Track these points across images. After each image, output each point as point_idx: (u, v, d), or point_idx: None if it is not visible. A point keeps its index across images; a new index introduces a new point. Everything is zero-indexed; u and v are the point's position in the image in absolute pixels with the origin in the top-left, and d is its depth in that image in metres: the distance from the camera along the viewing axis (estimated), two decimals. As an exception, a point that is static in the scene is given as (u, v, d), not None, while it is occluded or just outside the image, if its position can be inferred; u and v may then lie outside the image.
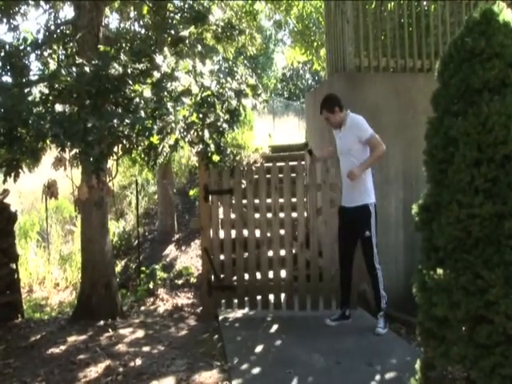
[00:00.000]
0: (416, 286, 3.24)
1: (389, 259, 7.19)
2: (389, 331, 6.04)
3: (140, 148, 5.85)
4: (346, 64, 7.33)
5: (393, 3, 7.73)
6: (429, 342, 3.21)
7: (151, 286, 10.06)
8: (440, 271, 3.04)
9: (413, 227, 3.45)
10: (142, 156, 6.14)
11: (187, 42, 7.68)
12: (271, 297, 7.04)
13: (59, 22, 7.98)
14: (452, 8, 7.73)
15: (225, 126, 5.94)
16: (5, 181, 5.50)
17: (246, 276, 7.10)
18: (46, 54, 7.31)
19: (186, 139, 5.91)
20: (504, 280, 2.83)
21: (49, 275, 11.35)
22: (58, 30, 7.69)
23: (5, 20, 7.56)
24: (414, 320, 3.68)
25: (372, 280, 6.08)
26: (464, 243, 3.00)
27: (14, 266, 7.38)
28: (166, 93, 5.58)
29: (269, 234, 7.08)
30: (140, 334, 6.42)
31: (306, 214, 7.14)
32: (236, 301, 7.05)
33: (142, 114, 5.21)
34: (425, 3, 7.77)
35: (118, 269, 10.80)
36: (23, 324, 7.08)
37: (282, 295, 7.03)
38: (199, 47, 7.84)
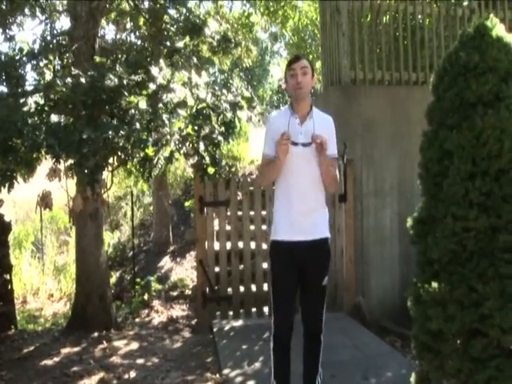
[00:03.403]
0: (411, 300, 3.23)
1: (384, 271, 7.20)
2: (384, 344, 6.03)
3: (135, 160, 5.85)
4: (341, 77, 7.35)
5: (388, 16, 7.76)
6: (424, 356, 3.20)
7: (146, 297, 10.02)
8: (435, 284, 3.04)
9: (408, 239, 3.45)
10: (138, 167, 6.15)
11: (183, 53, 7.70)
12: (266, 309, 7.04)
13: (55, 32, 8.01)
14: (446, 22, 7.78)
15: (220, 138, 5.93)
16: (-1, 191, 5.49)
17: (241, 288, 7.10)
18: (41, 64, 7.31)
19: (182, 151, 5.91)
20: (499, 293, 2.84)
21: (43, 286, 11.29)
22: (54, 41, 7.71)
23: (1, 30, 7.59)
24: (409, 333, 3.67)
25: (316, 348, 4.08)
26: (459, 256, 3.00)
27: (7, 277, 7.36)
28: (161, 104, 5.59)
29: (264, 246, 7.09)
30: (134, 346, 6.40)
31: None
32: (231, 312, 7.04)
33: (138, 125, 5.23)
34: (419, 17, 7.80)
35: (112, 280, 10.76)
36: (16, 335, 7.05)
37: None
38: (195, 59, 7.86)
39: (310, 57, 12.90)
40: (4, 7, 7.70)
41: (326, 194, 4.08)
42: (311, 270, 3.99)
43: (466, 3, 7.85)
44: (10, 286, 7.42)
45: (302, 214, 3.92)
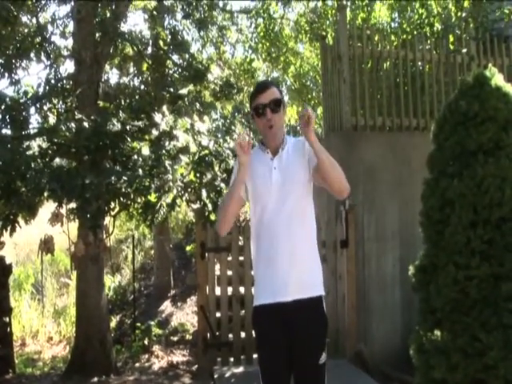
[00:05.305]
0: (413, 348, 3.20)
1: (386, 317, 7.13)
2: (386, 392, 5.94)
3: (137, 205, 5.86)
4: (342, 123, 7.38)
5: (389, 63, 7.85)
6: (427, 406, 3.16)
7: (146, 342, 9.92)
8: (438, 333, 3.01)
9: (410, 285, 3.43)
10: (140, 212, 6.15)
11: (186, 99, 7.77)
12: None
13: (60, 76, 8.10)
14: (446, 68, 7.86)
15: (222, 185, 5.94)
16: (0, 234, 5.50)
17: (243, 334, 7.03)
18: (45, 107, 7.39)
19: (184, 198, 5.92)
20: (502, 343, 2.81)
21: (42, 329, 11.19)
22: (59, 85, 7.80)
23: (6, 74, 7.68)
24: (411, 379, 3.63)
25: None
26: (461, 305, 2.98)
27: (6, 320, 7.30)
28: (164, 151, 5.62)
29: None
30: (134, 392, 6.32)
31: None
32: (232, 359, 6.95)
33: (140, 171, 5.24)
34: (420, 63, 7.89)
35: (112, 324, 10.66)
36: (14, 380, 6.97)
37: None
38: (197, 105, 7.92)
39: (312, 103, 12.99)
40: (10, 52, 7.81)
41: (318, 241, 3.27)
42: (302, 344, 3.00)
43: (465, 50, 7.94)
44: (8, 329, 7.36)
45: (287, 266, 3.00)
